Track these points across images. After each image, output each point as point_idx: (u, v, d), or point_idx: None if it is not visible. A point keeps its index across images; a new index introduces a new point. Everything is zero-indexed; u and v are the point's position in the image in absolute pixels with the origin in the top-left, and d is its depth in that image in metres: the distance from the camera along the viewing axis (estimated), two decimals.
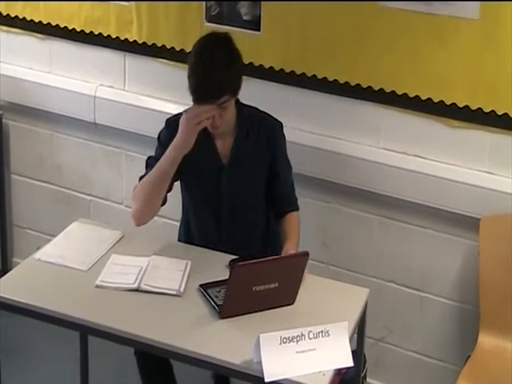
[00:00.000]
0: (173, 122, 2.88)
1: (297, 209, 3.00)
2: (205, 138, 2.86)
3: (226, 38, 2.78)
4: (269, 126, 2.95)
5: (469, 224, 3.09)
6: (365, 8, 3.04)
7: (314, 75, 3.22)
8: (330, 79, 3.19)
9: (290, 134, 3.17)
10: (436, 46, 2.99)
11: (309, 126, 3.29)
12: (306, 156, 3.26)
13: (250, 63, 3.31)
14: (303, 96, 3.27)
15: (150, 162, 2.90)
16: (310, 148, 3.27)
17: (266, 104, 3.08)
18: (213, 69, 2.68)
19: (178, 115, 2.87)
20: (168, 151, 2.77)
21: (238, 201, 2.94)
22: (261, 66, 3.30)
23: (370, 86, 3.13)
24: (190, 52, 2.79)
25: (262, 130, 2.92)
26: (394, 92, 3.10)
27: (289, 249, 2.77)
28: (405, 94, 3.08)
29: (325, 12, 3.12)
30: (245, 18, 3.27)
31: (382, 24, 3.04)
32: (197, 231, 3.00)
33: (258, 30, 3.26)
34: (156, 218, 3.08)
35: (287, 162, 3.00)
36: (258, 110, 2.98)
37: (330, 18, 3.12)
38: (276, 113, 2.99)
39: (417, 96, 3.07)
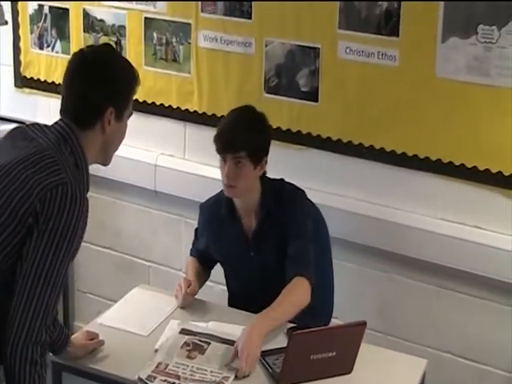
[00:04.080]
0: (205, 209, 3.13)
1: (304, 276, 2.82)
2: (232, 219, 2.99)
3: (257, 111, 2.97)
4: (284, 197, 2.97)
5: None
6: (423, 79, 3.08)
7: (372, 145, 3.26)
8: (388, 150, 3.22)
9: (347, 203, 3.20)
10: (494, 117, 3.01)
11: (366, 196, 3.31)
12: (363, 226, 3.28)
13: (308, 133, 3.37)
14: (361, 166, 3.30)
15: (196, 235, 3.21)
16: (368, 218, 3.28)
17: (324, 174, 3.13)
18: (236, 125, 2.89)
19: (210, 200, 3.11)
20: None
21: (268, 276, 2.95)
22: (318, 136, 3.35)
23: (427, 157, 3.15)
24: None
25: (281, 204, 2.94)
26: (451, 163, 3.12)
27: (253, 321, 2.69)
28: (462, 165, 3.10)
29: (382, 83, 3.17)
30: (303, 89, 3.34)
31: (439, 95, 3.08)
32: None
33: (316, 100, 3.32)
34: (213, 284, 3.13)
35: (299, 228, 2.92)
36: (283, 182, 3.03)
37: (387, 89, 3.17)
38: (333, 182, 3.04)
39: (474, 167, 3.08)
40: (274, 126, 3.35)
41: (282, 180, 3.04)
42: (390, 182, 3.27)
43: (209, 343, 2.67)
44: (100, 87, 2.24)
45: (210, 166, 3.61)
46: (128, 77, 2.32)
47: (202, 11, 3.47)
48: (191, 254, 3.20)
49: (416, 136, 3.17)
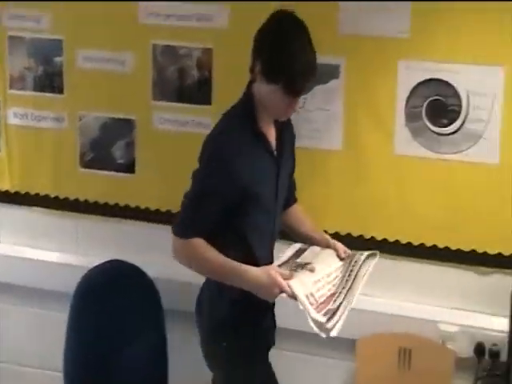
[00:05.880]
0: (231, 141, 2.53)
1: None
2: (257, 135, 2.59)
3: (296, 17, 2.53)
4: None
5: (346, 345, 3.16)
6: None
7: None
8: None
9: (182, 275, 3.21)
10: (302, 178, 3.13)
11: None
12: None
13: (126, 205, 3.39)
14: None
15: (209, 192, 2.53)
16: None
17: (151, 246, 3.13)
18: (309, 50, 2.48)
19: (227, 130, 2.58)
20: (243, 275, 2.50)
21: (283, 194, 2.76)
22: (137, 207, 3.37)
23: None
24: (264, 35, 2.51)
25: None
26: None
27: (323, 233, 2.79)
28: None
29: (198, 150, 3.22)
30: (119, 161, 3.36)
31: None
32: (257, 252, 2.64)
33: (133, 172, 3.35)
34: None
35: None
36: None
37: None
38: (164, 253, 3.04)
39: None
40: (92, 200, 3.35)
41: None
42: None
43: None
44: None
45: (26, 246, 3.53)
46: None
47: (10, 88, 3.43)
48: (196, 234, 2.55)
49: None
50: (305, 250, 2.72)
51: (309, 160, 3.13)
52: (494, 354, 2.99)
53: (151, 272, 3.21)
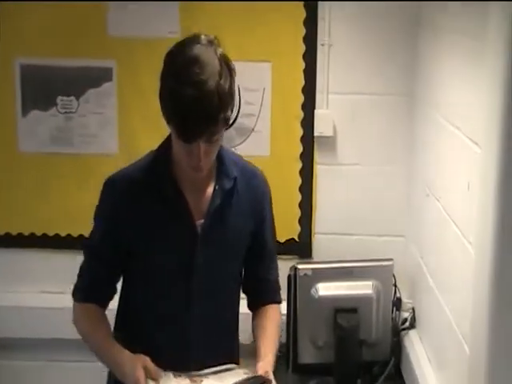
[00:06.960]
0: (117, 182, 2.15)
1: (280, 301, 2.36)
2: (174, 194, 2.13)
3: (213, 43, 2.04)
4: (260, 187, 2.27)
5: None
6: (6, 155, 3.09)
7: None
8: None
9: None
10: (78, 185, 3.09)
11: None
12: None
13: None
14: None
15: (89, 245, 2.19)
16: None
17: None
18: (215, 78, 1.97)
19: (126, 171, 2.19)
20: (119, 363, 2.09)
21: (213, 277, 2.20)
22: None
23: (20, 233, 3.15)
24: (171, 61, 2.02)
25: (251, 188, 2.23)
26: (45, 234, 3.14)
27: (268, 357, 2.16)
28: (56, 235, 3.14)
29: None
30: None
31: (25, 169, 3.09)
32: (156, 334, 2.19)
33: None
34: None
35: (275, 240, 2.36)
36: (244, 159, 2.31)
37: None
38: None
39: (69, 235, 3.13)
40: None
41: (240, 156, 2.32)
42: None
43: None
44: None
45: None
46: None
47: None
48: (85, 299, 2.18)
49: (7, 213, 3.13)
50: (230, 369, 2.21)
51: (84, 166, 3.08)
52: None
53: None
